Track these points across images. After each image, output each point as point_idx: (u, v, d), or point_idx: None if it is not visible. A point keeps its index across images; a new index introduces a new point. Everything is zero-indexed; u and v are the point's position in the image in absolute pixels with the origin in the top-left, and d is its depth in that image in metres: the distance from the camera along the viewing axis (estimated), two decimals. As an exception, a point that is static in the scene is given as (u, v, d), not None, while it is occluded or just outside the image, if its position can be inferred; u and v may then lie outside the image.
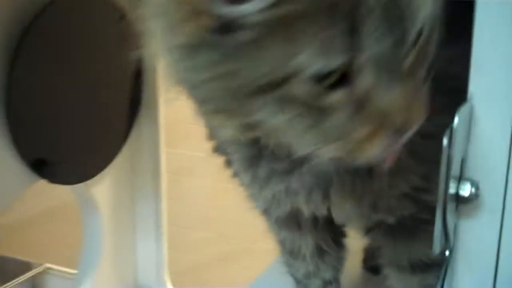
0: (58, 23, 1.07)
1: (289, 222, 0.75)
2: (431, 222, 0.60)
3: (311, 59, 0.46)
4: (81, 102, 1.12)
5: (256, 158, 0.65)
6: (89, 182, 1.15)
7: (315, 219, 0.72)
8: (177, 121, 1.29)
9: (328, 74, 0.47)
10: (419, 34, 0.50)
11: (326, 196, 0.66)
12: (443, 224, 0.50)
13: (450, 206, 0.51)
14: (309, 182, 0.64)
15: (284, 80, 0.47)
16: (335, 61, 0.46)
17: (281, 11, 0.45)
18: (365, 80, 0.48)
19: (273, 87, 0.48)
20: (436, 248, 0.50)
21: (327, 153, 0.52)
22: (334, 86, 0.48)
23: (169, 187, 1.27)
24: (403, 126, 0.50)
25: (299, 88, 0.48)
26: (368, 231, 0.73)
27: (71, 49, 1.10)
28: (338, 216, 0.69)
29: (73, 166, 1.12)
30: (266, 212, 0.74)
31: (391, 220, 0.66)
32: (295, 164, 0.62)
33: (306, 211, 0.69)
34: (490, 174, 0.51)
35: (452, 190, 0.50)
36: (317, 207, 0.68)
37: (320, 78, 0.47)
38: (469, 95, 0.50)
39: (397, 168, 0.59)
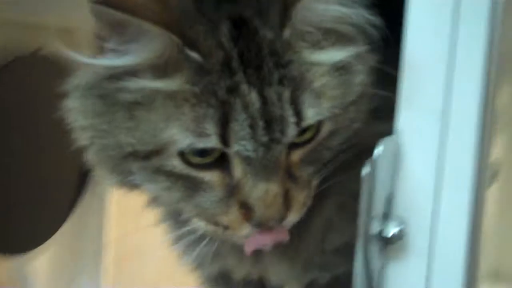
0: (8, 89, 1.06)
1: (220, 282, 0.71)
2: None
3: (180, 135, 0.48)
4: (26, 170, 1.10)
5: (180, 222, 0.63)
6: (28, 255, 1.10)
7: (247, 281, 0.69)
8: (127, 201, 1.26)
9: (203, 154, 0.49)
10: (314, 134, 0.52)
11: (258, 259, 0.63)
12: (365, 263, 0.47)
13: (374, 246, 0.49)
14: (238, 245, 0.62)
15: (154, 153, 0.49)
16: (203, 143, 0.48)
17: (154, 84, 0.48)
18: (235, 170, 0.50)
19: (143, 157, 0.50)
20: (358, 284, 0.47)
21: (203, 226, 0.54)
22: (209, 167, 0.50)
23: (113, 267, 1.22)
24: (265, 222, 0.50)
25: (170, 162, 0.49)
26: None
27: (18, 114, 1.09)
28: (272, 278, 0.65)
29: (10, 237, 1.08)
30: (196, 269, 0.71)
31: (325, 279, 0.63)
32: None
33: (237, 274, 0.66)
34: (417, 213, 0.49)
35: (376, 229, 0.48)
36: (248, 271, 0.65)
37: (196, 154, 0.49)
38: (394, 132, 0.49)
39: (329, 225, 0.60)
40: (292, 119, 0.49)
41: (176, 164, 0.50)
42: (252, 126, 0.48)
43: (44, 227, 1.13)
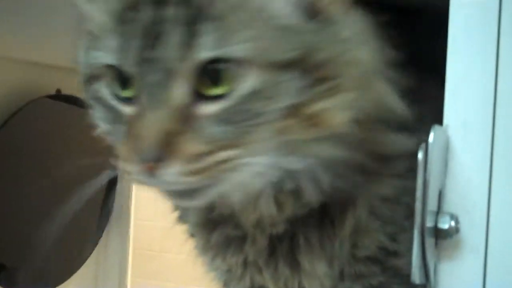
0: (27, 128, 1.07)
1: None
2: None
3: (96, 52, 0.50)
4: (47, 209, 1.09)
5: (210, 222, 0.61)
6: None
7: None
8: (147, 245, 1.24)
9: (125, 85, 0.50)
10: (230, 89, 0.47)
11: (295, 266, 0.60)
12: (421, 255, 0.45)
13: (429, 241, 0.47)
14: (270, 252, 0.59)
15: (93, 78, 0.52)
16: (106, 58, 0.49)
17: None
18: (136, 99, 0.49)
19: (87, 81, 0.52)
20: (416, 278, 0.45)
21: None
22: (130, 101, 0.50)
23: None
24: (139, 155, 0.47)
25: (103, 89, 0.51)
26: None
27: (39, 154, 1.09)
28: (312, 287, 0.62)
29: (33, 273, 1.06)
30: (225, 285, 0.68)
31: None
32: (249, 229, 0.59)
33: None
34: (469, 209, 0.47)
35: (430, 223, 0.47)
36: (287, 283, 0.62)
37: (120, 83, 0.50)
38: (444, 127, 0.48)
39: (362, 228, 0.57)
40: (178, 38, 0.46)
41: (105, 93, 0.51)
42: (141, 40, 0.47)
43: (66, 264, 1.11)
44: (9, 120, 1.05)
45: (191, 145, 0.47)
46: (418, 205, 0.44)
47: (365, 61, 0.51)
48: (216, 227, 0.61)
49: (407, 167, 0.56)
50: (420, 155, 0.44)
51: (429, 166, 0.45)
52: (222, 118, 0.47)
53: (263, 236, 0.59)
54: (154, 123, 0.46)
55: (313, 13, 0.49)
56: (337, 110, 0.49)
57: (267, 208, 0.56)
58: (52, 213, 1.08)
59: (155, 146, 0.46)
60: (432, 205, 0.46)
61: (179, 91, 0.47)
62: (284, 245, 0.59)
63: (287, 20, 0.48)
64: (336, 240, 0.58)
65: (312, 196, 0.55)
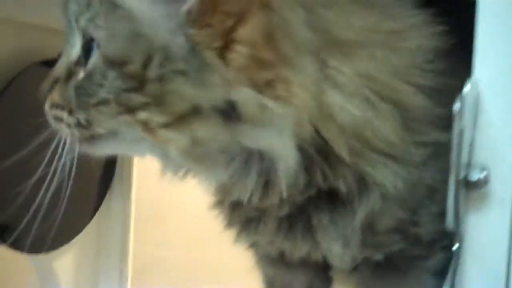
0: (28, 91, 1.06)
1: (276, 261, 0.69)
2: (422, 258, 0.57)
3: None
4: (49, 170, 1.08)
5: (233, 204, 0.61)
6: (51, 254, 1.07)
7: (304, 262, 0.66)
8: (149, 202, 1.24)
9: None
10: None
11: (314, 244, 0.60)
12: (455, 206, 0.46)
13: (462, 190, 0.48)
14: (286, 232, 0.60)
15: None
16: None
17: None
18: None
19: None
20: (450, 223, 0.46)
21: None
22: None
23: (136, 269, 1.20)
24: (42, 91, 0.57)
25: None
26: (353, 269, 0.64)
27: (40, 116, 1.08)
28: (331, 258, 0.62)
29: (35, 235, 1.05)
30: (251, 248, 0.68)
31: (378, 256, 0.60)
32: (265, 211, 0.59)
33: (296, 255, 0.63)
34: (498, 163, 0.48)
35: (460, 175, 0.48)
36: (309, 255, 0.62)
37: None
38: (473, 81, 0.49)
39: (376, 212, 0.56)
40: (82, 2, 0.52)
41: None
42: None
43: (68, 227, 1.11)
44: (11, 84, 1.04)
45: (56, 94, 0.56)
46: (453, 155, 0.45)
47: (195, 99, 0.48)
48: (237, 207, 0.61)
49: (428, 155, 0.54)
50: (456, 106, 0.45)
51: (464, 116, 0.45)
52: (76, 84, 0.53)
53: (271, 218, 0.59)
54: (56, 67, 0.56)
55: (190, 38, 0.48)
56: (162, 128, 0.50)
57: (238, 193, 0.56)
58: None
59: (46, 86, 0.56)
60: (463, 157, 0.47)
61: (74, 48, 0.54)
62: (300, 225, 0.59)
63: (146, 28, 0.49)
64: (350, 224, 0.57)
65: (278, 189, 0.54)
